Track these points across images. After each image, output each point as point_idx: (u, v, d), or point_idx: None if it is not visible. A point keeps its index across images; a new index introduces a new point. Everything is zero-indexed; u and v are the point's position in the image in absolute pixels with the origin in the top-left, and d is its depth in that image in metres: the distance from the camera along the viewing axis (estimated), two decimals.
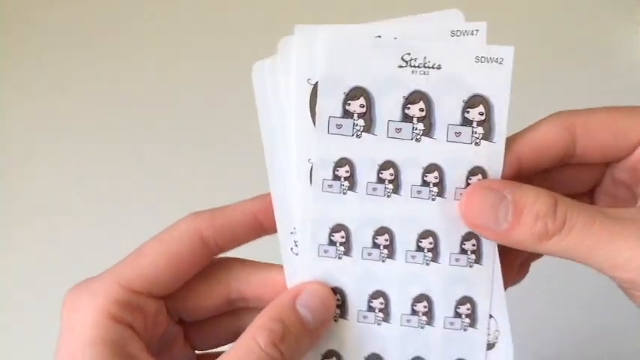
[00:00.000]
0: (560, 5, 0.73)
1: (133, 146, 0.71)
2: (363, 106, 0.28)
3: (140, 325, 0.28)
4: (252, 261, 0.31)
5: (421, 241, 0.29)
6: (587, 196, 0.32)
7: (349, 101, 0.28)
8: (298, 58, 0.28)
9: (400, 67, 0.28)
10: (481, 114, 0.28)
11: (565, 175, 0.31)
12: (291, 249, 0.29)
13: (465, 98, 0.28)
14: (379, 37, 0.28)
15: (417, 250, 0.29)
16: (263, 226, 0.30)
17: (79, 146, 0.71)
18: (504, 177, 0.28)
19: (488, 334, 0.29)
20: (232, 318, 0.31)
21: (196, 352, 0.32)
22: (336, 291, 0.29)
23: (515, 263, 0.32)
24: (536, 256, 0.33)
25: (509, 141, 0.28)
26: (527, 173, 0.29)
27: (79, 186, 0.69)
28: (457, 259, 0.29)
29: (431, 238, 0.29)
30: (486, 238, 0.28)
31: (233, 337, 0.29)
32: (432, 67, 0.28)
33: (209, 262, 0.30)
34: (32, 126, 0.72)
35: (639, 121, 0.28)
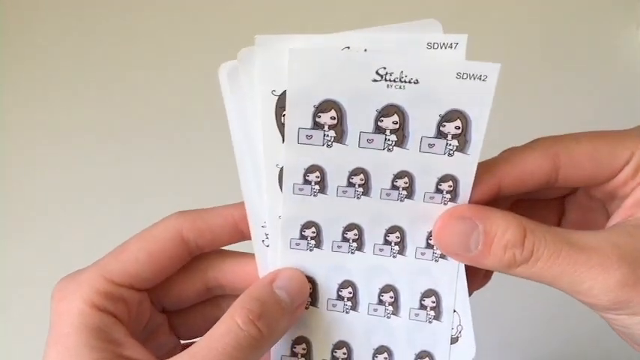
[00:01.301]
0: (560, 5, 0.70)
1: (133, 146, 0.70)
2: (334, 118, 0.27)
3: (123, 314, 0.29)
4: (229, 251, 0.32)
5: (389, 236, 0.30)
6: (557, 201, 0.32)
7: (320, 114, 0.26)
8: (261, 70, 0.26)
9: (374, 80, 0.26)
10: (457, 128, 0.27)
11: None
12: (263, 241, 0.30)
13: (442, 113, 0.26)
14: (348, 48, 0.25)
15: (384, 244, 0.30)
16: (242, 232, 0.30)
17: (79, 146, 0.70)
18: (482, 198, 0.28)
19: (452, 329, 0.31)
20: (212, 307, 0.33)
21: (181, 341, 0.34)
22: (308, 280, 0.31)
23: (481, 270, 0.33)
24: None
25: (492, 165, 0.28)
26: (505, 196, 0.29)
27: (79, 186, 0.68)
28: (423, 253, 0.30)
29: (398, 232, 0.29)
30: (458, 261, 0.29)
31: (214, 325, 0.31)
32: (409, 82, 0.26)
33: (190, 259, 0.31)
34: (31, 126, 0.71)
35: (622, 148, 0.28)
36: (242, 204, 0.30)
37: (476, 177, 0.28)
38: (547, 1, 0.71)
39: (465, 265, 0.30)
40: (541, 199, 0.32)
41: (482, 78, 0.25)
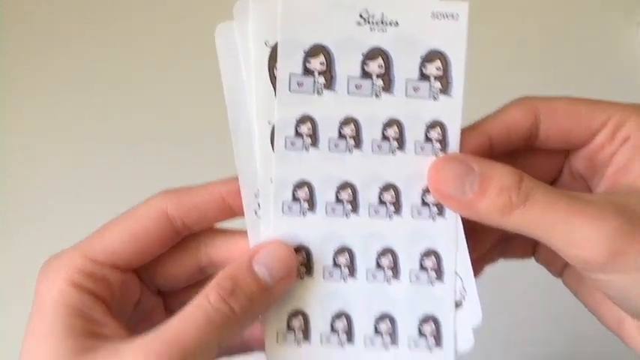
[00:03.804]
0: (561, 5, 0.74)
1: (134, 146, 0.71)
2: (323, 64, 0.28)
3: (105, 293, 0.28)
4: (220, 229, 0.31)
5: (383, 195, 0.29)
6: None
7: (309, 59, 0.28)
8: (254, 22, 0.29)
9: (358, 24, 0.28)
10: (438, 69, 0.29)
11: (528, 163, 0.31)
12: (255, 212, 0.29)
13: (423, 54, 0.29)
14: None
15: (379, 204, 0.29)
16: (231, 208, 0.30)
17: (79, 146, 0.71)
18: (474, 151, 0.29)
19: (455, 292, 0.30)
20: None
21: None
22: (301, 249, 0.29)
23: (484, 240, 0.33)
24: (491, 258, 0.35)
25: (481, 121, 0.30)
26: (495, 154, 0.30)
27: (79, 186, 0.68)
28: (419, 212, 0.29)
29: (392, 191, 0.29)
30: (452, 209, 0.29)
31: None
32: (390, 24, 0.28)
33: (179, 239, 0.31)
34: (31, 126, 0.72)
35: (599, 110, 0.29)
36: (230, 180, 0.30)
37: (466, 132, 0.29)
38: (547, 0, 0.72)
39: (466, 233, 0.29)
40: None
41: (455, 17, 0.28)
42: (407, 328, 0.29)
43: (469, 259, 0.29)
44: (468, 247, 0.29)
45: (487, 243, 0.33)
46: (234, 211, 0.30)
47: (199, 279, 0.31)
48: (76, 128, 0.72)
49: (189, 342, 0.25)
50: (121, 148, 0.71)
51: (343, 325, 0.29)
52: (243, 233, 0.30)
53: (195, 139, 0.70)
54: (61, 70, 0.74)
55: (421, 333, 0.29)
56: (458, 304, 0.29)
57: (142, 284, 0.31)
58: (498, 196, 0.27)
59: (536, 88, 0.69)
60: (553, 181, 0.33)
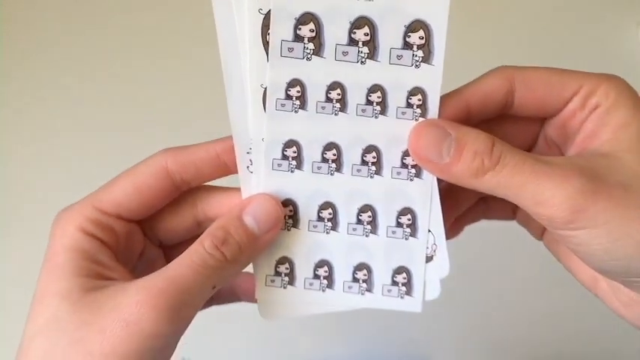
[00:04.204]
0: (561, 5, 0.73)
1: (134, 146, 0.69)
2: (313, 31, 0.30)
3: (111, 241, 0.31)
4: (216, 186, 0.34)
5: (365, 156, 0.32)
6: None
7: (300, 26, 0.30)
8: None
9: None
10: (421, 38, 0.30)
11: (504, 130, 0.33)
12: (247, 167, 0.32)
13: (407, 23, 0.30)
14: None
15: (361, 164, 0.32)
16: (226, 164, 0.32)
17: (79, 146, 0.73)
18: (452, 117, 0.31)
19: (427, 247, 0.32)
20: None
21: None
22: (289, 203, 0.32)
23: (447, 218, 0.35)
24: (471, 217, 0.37)
25: (458, 90, 0.31)
26: (473, 121, 0.32)
27: (79, 186, 0.68)
28: (398, 173, 0.32)
29: (374, 152, 0.31)
30: (429, 171, 0.31)
31: None
32: None
33: (178, 194, 0.33)
34: (32, 126, 0.73)
35: (572, 79, 0.31)
36: (225, 138, 0.32)
37: (445, 98, 0.31)
38: (547, 1, 0.73)
39: (440, 197, 0.32)
40: None
41: None
42: (381, 277, 0.32)
43: (442, 218, 0.32)
44: (442, 207, 0.32)
45: (465, 203, 0.35)
46: (229, 167, 0.33)
47: (197, 233, 0.34)
48: (76, 128, 0.73)
49: (187, 281, 0.28)
50: (122, 148, 0.70)
51: (325, 273, 0.32)
52: (236, 190, 0.33)
53: (197, 139, 0.71)
54: (61, 69, 0.75)
55: (394, 282, 0.32)
56: (429, 258, 0.32)
57: (145, 237, 0.34)
58: (472, 160, 0.29)
59: None
60: (529, 149, 0.35)
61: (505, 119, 0.33)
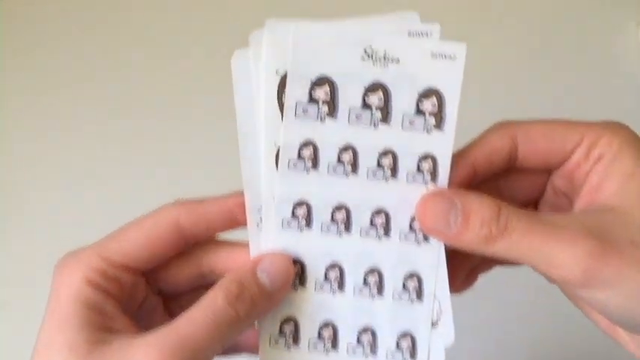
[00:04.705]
0: (561, 5, 0.74)
1: (134, 146, 0.72)
2: (328, 93, 0.31)
3: (116, 292, 0.31)
4: (223, 241, 0.34)
5: (374, 218, 0.32)
6: (532, 206, 0.35)
7: (315, 88, 0.31)
8: (268, 50, 0.31)
9: (362, 59, 0.31)
10: (434, 105, 0.31)
11: (511, 184, 0.34)
12: (257, 225, 0.32)
13: (420, 90, 0.31)
14: (344, 32, 0.31)
15: (370, 226, 0.32)
16: (237, 218, 0.33)
17: (80, 145, 0.73)
18: (460, 181, 0.31)
19: (432, 313, 0.32)
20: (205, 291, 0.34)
21: None
22: (297, 262, 0.32)
23: (461, 270, 0.35)
24: (485, 267, 0.37)
25: (464, 151, 0.32)
26: (480, 179, 0.32)
27: (80, 185, 0.70)
28: (406, 237, 0.32)
29: (383, 215, 0.32)
30: (440, 240, 0.32)
31: None
32: (392, 61, 0.31)
33: (186, 247, 0.33)
34: (31, 125, 0.74)
35: (573, 130, 0.31)
36: (238, 193, 0.32)
37: (453, 161, 0.31)
38: (547, 1, 0.73)
39: (448, 264, 0.32)
40: (516, 203, 0.35)
41: (453, 57, 0.30)
42: (386, 341, 0.32)
43: (447, 284, 0.32)
44: (448, 271, 0.32)
45: (475, 259, 0.35)
46: (239, 222, 0.33)
47: (199, 284, 0.34)
48: (76, 128, 0.73)
49: (199, 340, 0.28)
50: (122, 148, 0.72)
51: (329, 334, 0.32)
52: (243, 245, 0.33)
53: (198, 138, 0.71)
54: (61, 69, 0.75)
55: (398, 347, 0.32)
56: (434, 324, 0.32)
57: (147, 285, 0.33)
58: (480, 229, 0.29)
59: (536, 88, 0.70)
60: (537, 199, 0.35)
61: (512, 172, 0.33)
